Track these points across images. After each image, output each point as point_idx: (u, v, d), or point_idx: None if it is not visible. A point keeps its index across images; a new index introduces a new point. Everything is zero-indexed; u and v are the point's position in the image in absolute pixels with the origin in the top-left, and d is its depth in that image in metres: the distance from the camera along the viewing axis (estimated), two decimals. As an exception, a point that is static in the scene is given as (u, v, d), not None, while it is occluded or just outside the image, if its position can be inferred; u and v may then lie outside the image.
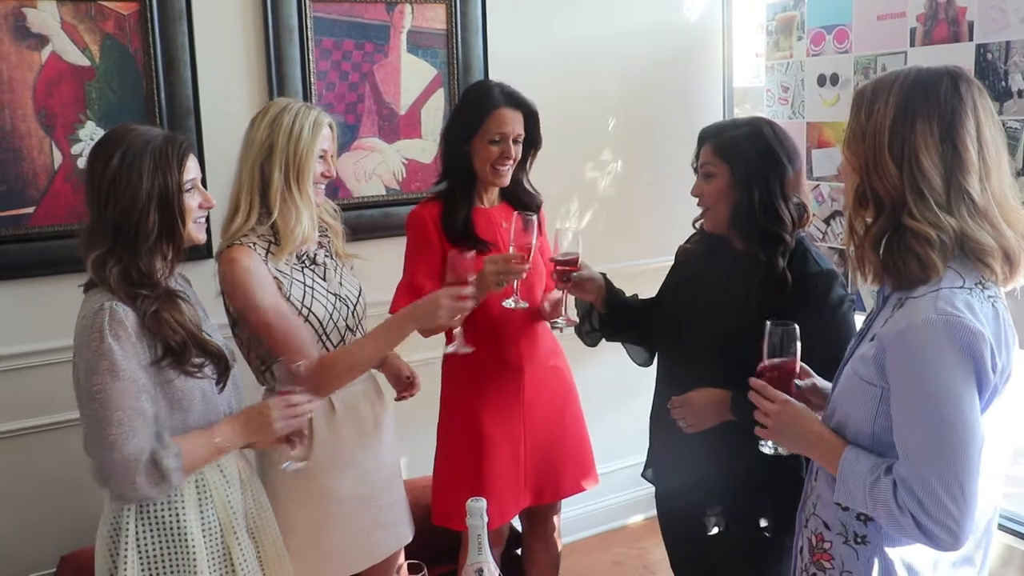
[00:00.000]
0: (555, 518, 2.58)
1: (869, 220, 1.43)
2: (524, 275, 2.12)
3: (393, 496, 2.29)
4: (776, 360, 1.63)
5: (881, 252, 1.40)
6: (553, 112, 3.16)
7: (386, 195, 2.95)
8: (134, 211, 1.68)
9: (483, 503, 1.45)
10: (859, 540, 1.46)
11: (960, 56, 2.69)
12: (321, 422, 2.10)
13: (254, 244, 2.03)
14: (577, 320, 2.37)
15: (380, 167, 2.93)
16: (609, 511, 3.62)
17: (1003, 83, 2.61)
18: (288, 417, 1.80)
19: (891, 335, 1.37)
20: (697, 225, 2.21)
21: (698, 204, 2.06)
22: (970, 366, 1.30)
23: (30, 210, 2.45)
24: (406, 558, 2.38)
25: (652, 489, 3.68)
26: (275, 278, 2.03)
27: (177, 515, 1.74)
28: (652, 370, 3.63)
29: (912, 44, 2.85)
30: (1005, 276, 1.41)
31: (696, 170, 2.08)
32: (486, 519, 1.46)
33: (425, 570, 1.50)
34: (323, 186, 2.15)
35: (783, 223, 1.93)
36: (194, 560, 1.74)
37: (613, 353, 3.43)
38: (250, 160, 2.06)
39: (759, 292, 1.92)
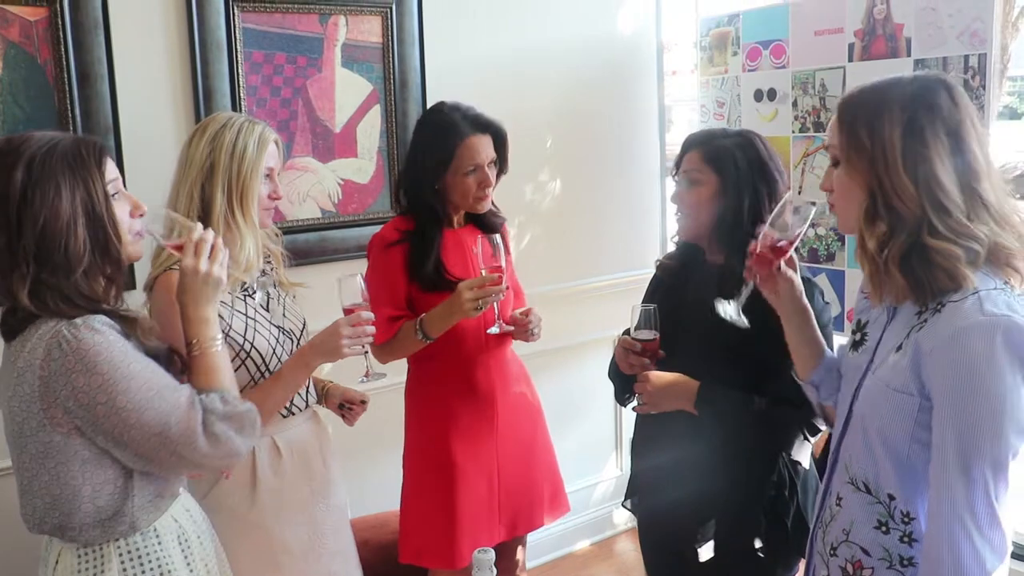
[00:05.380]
0: (520, 550, 2.45)
1: (883, 237, 1.39)
2: (502, 296, 2.03)
3: (342, 541, 2.12)
4: (777, 237, 1.61)
5: (907, 266, 1.37)
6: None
7: (321, 218, 2.78)
8: (58, 230, 1.41)
9: (491, 554, 1.32)
10: (905, 563, 1.41)
11: (898, 71, 2.69)
12: (267, 467, 1.93)
13: None
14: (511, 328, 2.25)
15: (315, 188, 2.76)
16: (554, 538, 3.51)
17: (942, 98, 2.64)
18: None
19: (938, 341, 1.32)
20: (676, 240, 2.14)
21: (676, 212, 1.99)
22: (1020, 365, 1.28)
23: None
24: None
25: (597, 513, 3.68)
26: None
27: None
28: (595, 394, 3.57)
29: (850, 59, 2.88)
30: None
31: (675, 178, 2.01)
32: (495, 572, 1.33)
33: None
34: (271, 210, 1.97)
35: None
36: None
37: (552, 377, 3.36)
38: (188, 181, 1.86)
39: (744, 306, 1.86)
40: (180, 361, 1.55)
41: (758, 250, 1.61)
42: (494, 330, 2.13)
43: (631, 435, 2.21)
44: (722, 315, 1.69)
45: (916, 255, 1.35)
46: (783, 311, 1.67)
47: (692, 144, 1.98)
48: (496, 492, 2.27)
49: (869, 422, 1.44)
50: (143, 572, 1.52)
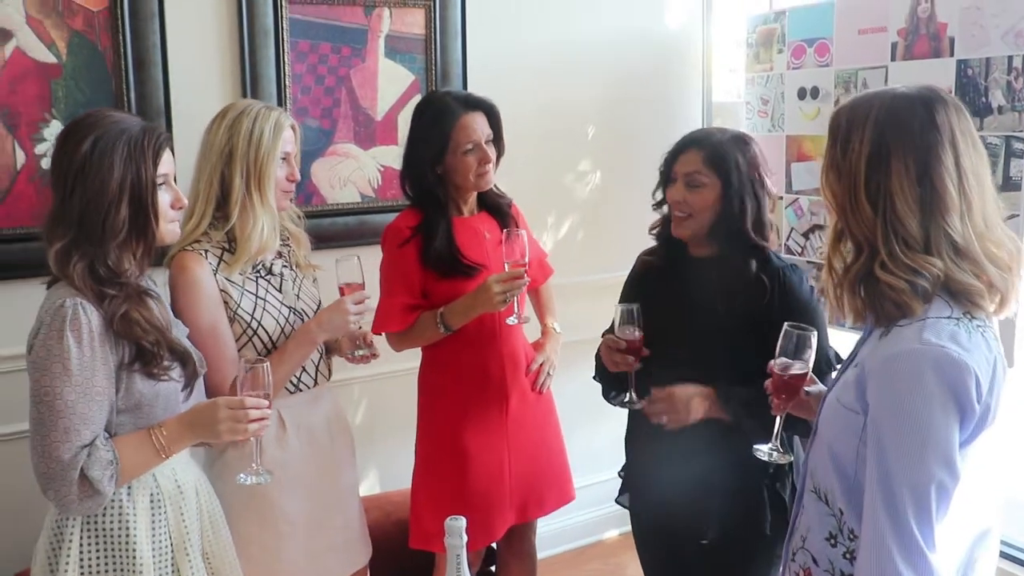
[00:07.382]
0: (533, 535, 2.52)
1: (849, 259, 1.38)
2: (524, 288, 2.09)
3: (348, 516, 2.20)
4: (789, 365, 1.62)
5: (862, 293, 1.36)
6: (532, 120, 3.13)
7: (361, 202, 2.89)
8: (102, 203, 1.58)
9: (462, 522, 1.39)
10: None
11: (941, 71, 2.68)
12: (271, 440, 2.01)
13: (206, 252, 1.96)
14: (527, 318, 2.27)
15: (355, 174, 2.87)
16: (584, 526, 3.56)
17: (983, 99, 2.60)
18: (236, 419, 1.63)
19: (876, 363, 1.32)
20: (654, 232, 2.13)
21: (676, 211, 1.98)
22: (952, 400, 1.25)
23: (-9, 211, 2.36)
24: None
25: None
26: (223, 291, 1.95)
27: (127, 529, 1.63)
28: (628, 383, 3.59)
29: (893, 59, 2.84)
30: (996, 309, 1.37)
31: (668, 175, 2.01)
32: (465, 538, 1.40)
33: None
34: (291, 191, 2.07)
35: (767, 235, 1.92)
36: None
37: (584, 367, 3.39)
38: (208, 167, 1.98)
39: (742, 300, 1.89)
40: (167, 354, 1.65)
41: (783, 380, 1.62)
42: (512, 320, 2.18)
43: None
44: (764, 459, 1.72)
45: (869, 284, 1.35)
46: None
47: (691, 144, 1.98)
48: (507, 478, 2.31)
49: (825, 436, 1.44)
50: (104, 514, 1.63)
